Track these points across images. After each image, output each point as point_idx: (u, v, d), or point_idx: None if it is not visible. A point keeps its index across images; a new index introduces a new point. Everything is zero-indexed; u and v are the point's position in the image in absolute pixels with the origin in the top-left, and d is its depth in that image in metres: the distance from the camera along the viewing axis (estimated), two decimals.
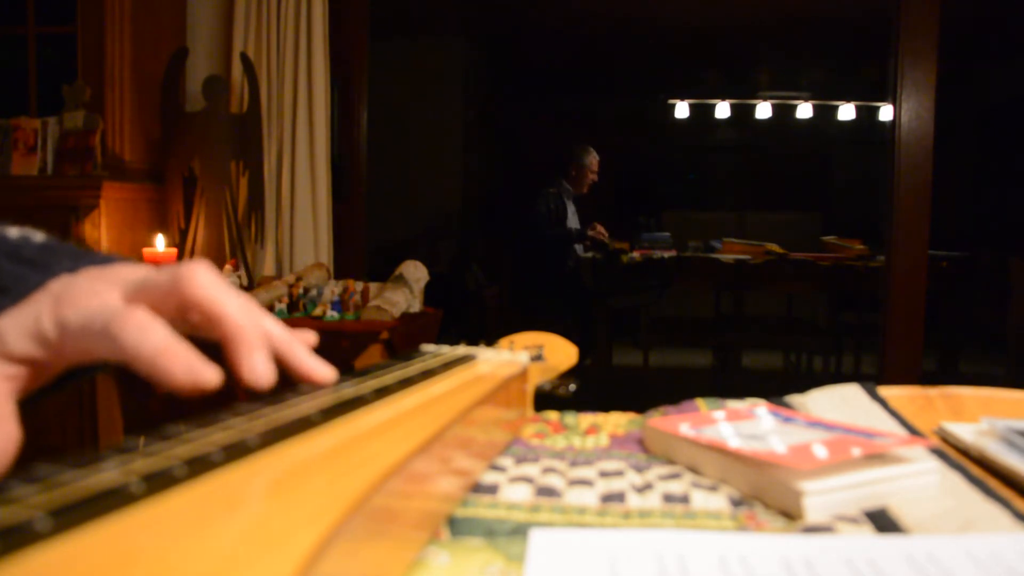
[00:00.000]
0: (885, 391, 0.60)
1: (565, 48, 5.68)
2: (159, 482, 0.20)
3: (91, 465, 0.20)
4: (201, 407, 0.29)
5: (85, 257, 0.38)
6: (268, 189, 2.56)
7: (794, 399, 0.60)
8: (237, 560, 0.17)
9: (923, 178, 2.53)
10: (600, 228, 3.99)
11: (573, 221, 4.00)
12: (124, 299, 0.33)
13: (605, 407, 0.61)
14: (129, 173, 2.44)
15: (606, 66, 6.09)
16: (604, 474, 0.45)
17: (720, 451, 0.43)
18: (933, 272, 2.73)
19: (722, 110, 5.87)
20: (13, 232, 0.39)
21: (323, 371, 0.36)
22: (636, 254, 4.04)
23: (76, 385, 0.38)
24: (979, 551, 0.31)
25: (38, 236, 0.40)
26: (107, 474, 0.20)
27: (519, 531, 0.35)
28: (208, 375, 0.30)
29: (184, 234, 2.43)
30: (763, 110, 5.83)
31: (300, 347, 0.36)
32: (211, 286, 0.33)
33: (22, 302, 0.33)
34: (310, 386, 0.35)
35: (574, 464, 0.47)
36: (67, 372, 0.36)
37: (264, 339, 0.34)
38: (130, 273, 0.35)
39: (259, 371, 0.33)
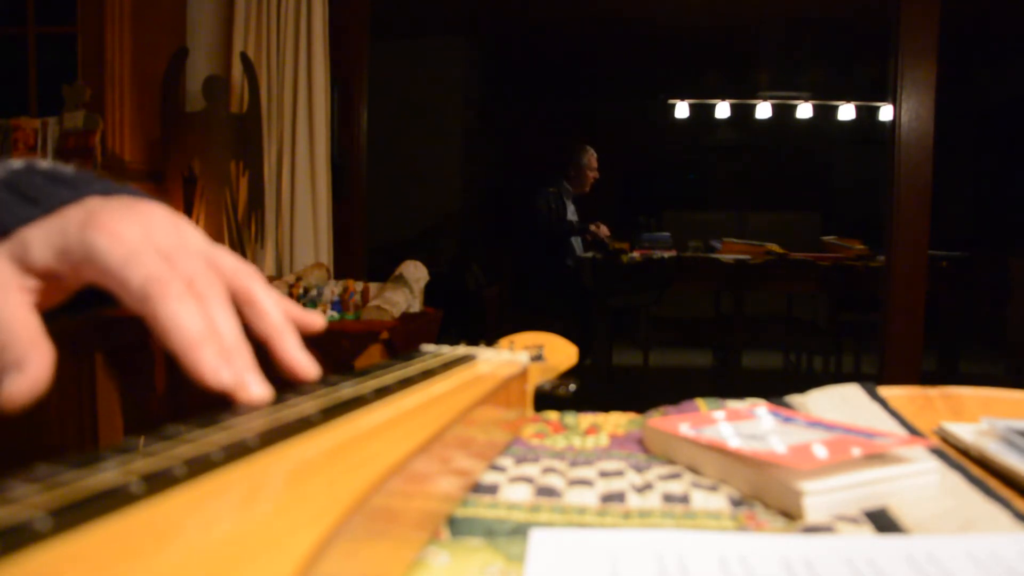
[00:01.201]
0: (885, 391, 0.60)
1: (565, 48, 5.68)
2: (159, 482, 0.20)
3: (91, 465, 0.20)
4: (201, 407, 0.29)
5: (120, 188, 0.38)
6: (268, 189, 2.56)
7: (794, 399, 0.60)
8: (237, 560, 0.17)
9: (923, 178, 2.53)
10: (601, 226, 3.99)
11: (573, 220, 4.01)
12: (168, 251, 0.33)
13: (605, 407, 0.61)
14: (129, 173, 2.44)
15: (606, 66, 6.09)
16: (604, 474, 0.45)
17: (720, 451, 0.43)
18: (933, 272, 2.73)
19: (722, 110, 5.87)
20: (44, 163, 0.39)
21: (307, 366, 0.36)
22: (636, 254, 4.04)
23: (92, 313, 0.38)
24: (979, 551, 0.31)
25: (68, 167, 0.40)
26: (107, 474, 0.20)
27: (519, 531, 0.35)
28: (234, 375, 0.31)
29: None
30: (763, 110, 5.83)
31: (292, 338, 0.37)
32: (264, 290, 0.35)
33: (50, 216, 0.33)
34: (292, 380, 0.36)
35: (574, 464, 0.47)
36: (83, 297, 0.36)
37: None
38: (181, 228, 0.35)
39: (242, 376, 0.32)
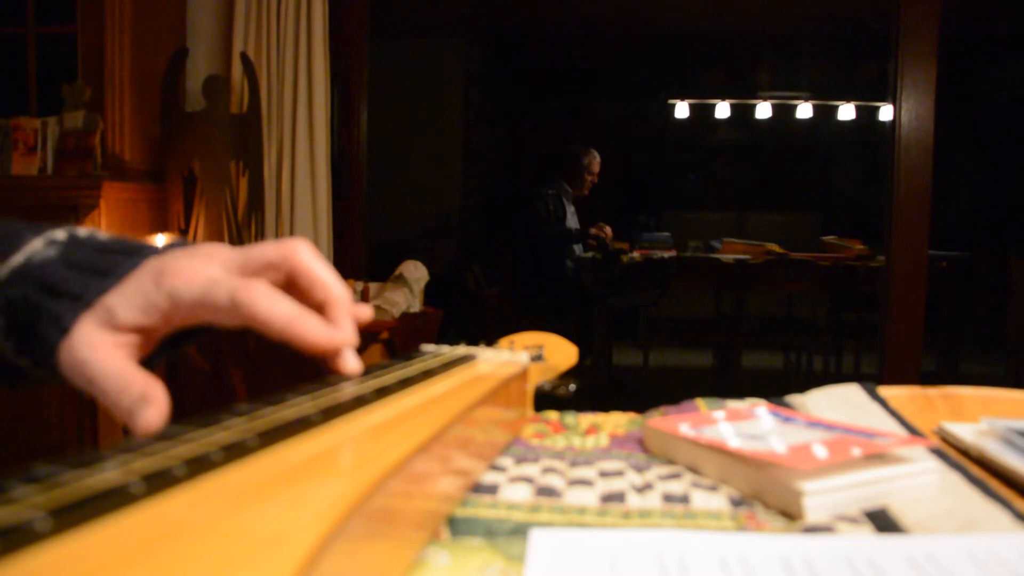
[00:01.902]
0: (885, 391, 0.60)
1: (565, 48, 5.69)
2: (159, 482, 0.20)
3: (91, 465, 0.20)
4: (201, 407, 0.29)
5: (167, 246, 0.42)
6: (268, 189, 2.56)
7: (794, 399, 0.60)
8: (237, 560, 0.17)
9: (923, 178, 2.53)
10: (604, 227, 3.98)
11: (572, 222, 3.99)
12: (227, 271, 0.38)
13: (605, 407, 0.61)
14: (129, 173, 2.44)
15: (606, 66, 6.09)
16: (604, 474, 0.45)
17: (720, 451, 0.43)
18: (933, 272, 2.73)
19: (722, 110, 5.86)
20: (82, 231, 0.43)
21: (353, 365, 0.40)
22: (636, 254, 4.04)
23: (185, 348, 0.43)
24: (979, 551, 0.31)
25: (103, 233, 0.44)
26: (107, 474, 0.20)
27: (519, 531, 0.35)
28: (340, 335, 0.37)
29: (184, 234, 2.43)
30: (763, 110, 5.83)
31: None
32: (314, 258, 0.39)
33: (123, 282, 0.37)
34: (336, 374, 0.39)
35: (574, 464, 0.47)
36: (174, 337, 0.40)
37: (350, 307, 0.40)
38: (220, 250, 0.39)
39: (348, 334, 0.38)
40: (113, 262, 0.38)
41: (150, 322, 0.37)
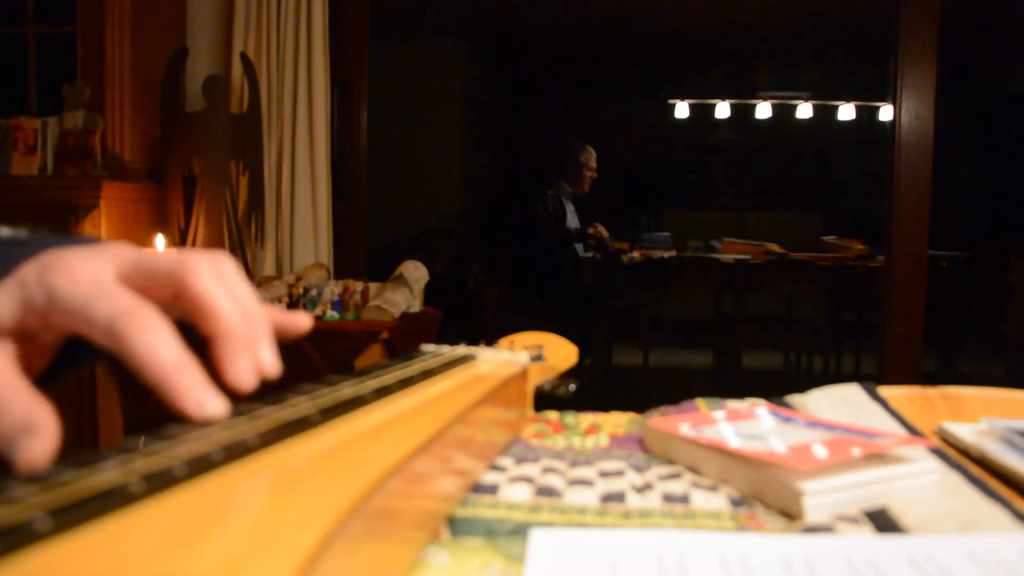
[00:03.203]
0: (885, 391, 0.60)
1: (565, 48, 5.69)
2: (159, 482, 0.20)
3: (91, 465, 0.20)
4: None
5: (73, 240, 0.38)
6: (268, 189, 2.56)
7: (794, 399, 0.60)
8: (237, 560, 0.17)
9: (923, 178, 2.53)
10: (600, 228, 3.98)
11: (572, 221, 3.99)
12: (118, 276, 0.33)
13: (605, 407, 0.61)
14: (129, 173, 2.44)
15: (606, 66, 6.09)
16: (604, 474, 0.45)
17: (720, 451, 0.43)
18: (933, 272, 2.73)
19: (722, 110, 5.86)
20: (4, 230, 0.39)
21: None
22: (636, 254, 4.04)
23: (85, 367, 0.37)
24: (979, 551, 0.31)
25: (22, 231, 0.39)
26: (107, 474, 0.20)
27: (519, 531, 0.35)
28: (214, 407, 0.30)
29: (184, 234, 2.43)
30: (763, 110, 5.82)
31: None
32: (213, 281, 0.33)
33: (9, 275, 0.33)
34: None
35: (574, 464, 0.47)
36: (70, 350, 0.35)
37: (252, 343, 0.33)
38: (122, 251, 0.34)
39: (243, 376, 0.32)
40: (4, 257, 0.34)
41: (30, 322, 0.32)
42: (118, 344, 0.30)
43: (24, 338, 0.32)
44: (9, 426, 0.28)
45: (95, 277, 0.32)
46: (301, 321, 0.37)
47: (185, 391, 0.29)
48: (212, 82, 2.46)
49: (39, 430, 0.28)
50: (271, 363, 0.33)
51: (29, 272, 0.32)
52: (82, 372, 0.38)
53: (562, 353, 0.66)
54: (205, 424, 0.26)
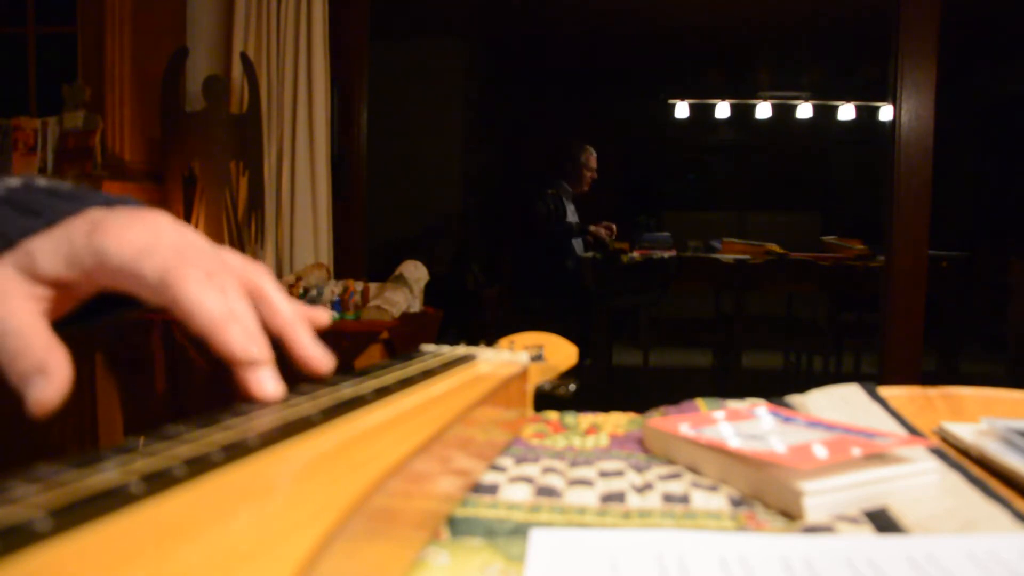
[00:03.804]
0: (885, 391, 0.60)
1: (565, 48, 5.68)
2: (159, 482, 0.20)
3: (91, 465, 0.20)
4: (201, 407, 0.29)
5: (121, 199, 0.39)
6: (268, 189, 2.56)
7: (794, 399, 0.60)
8: (237, 560, 0.17)
9: (923, 178, 2.53)
10: (602, 227, 3.98)
11: (573, 221, 4.00)
12: (172, 254, 0.34)
13: (605, 407, 0.61)
14: (129, 173, 2.44)
15: (606, 66, 6.09)
16: (604, 474, 0.45)
17: (720, 451, 0.43)
18: (933, 272, 2.73)
19: (722, 110, 5.86)
20: (42, 180, 0.40)
21: (322, 359, 0.36)
22: (636, 254, 4.04)
23: (109, 320, 0.39)
24: (979, 551, 0.31)
25: (67, 183, 0.40)
26: (107, 474, 0.20)
27: (519, 531, 0.35)
28: (262, 351, 0.32)
29: None
30: (763, 110, 5.83)
31: (305, 332, 0.37)
32: (276, 288, 0.36)
33: (55, 226, 0.34)
34: (308, 373, 0.36)
35: (574, 464, 0.47)
36: (96, 303, 0.37)
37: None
38: (180, 237, 0.35)
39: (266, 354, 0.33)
40: (49, 205, 0.35)
41: (71, 276, 0.33)
42: (166, 295, 0.31)
43: (59, 287, 0.33)
44: (26, 367, 0.30)
45: (145, 242, 0.33)
46: (321, 316, 0.39)
47: (232, 337, 0.31)
48: (212, 82, 2.46)
49: (53, 374, 0.30)
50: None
51: (77, 229, 0.33)
52: (101, 323, 0.39)
53: (562, 353, 0.66)
54: (206, 424, 0.26)
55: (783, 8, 4.61)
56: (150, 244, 0.33)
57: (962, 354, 4.18)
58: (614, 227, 3.98)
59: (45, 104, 2.49)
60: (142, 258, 0.32)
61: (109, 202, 0.38)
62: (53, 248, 0.33)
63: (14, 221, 0.34)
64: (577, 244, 4.02)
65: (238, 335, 0.32)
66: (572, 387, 0.58)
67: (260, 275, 0.36)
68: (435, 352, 0.51)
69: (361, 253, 2.84)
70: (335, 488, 0.22)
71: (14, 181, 0.39)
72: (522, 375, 0.53)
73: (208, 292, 0.32)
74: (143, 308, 0.36)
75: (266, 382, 0.33)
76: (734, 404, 0.57)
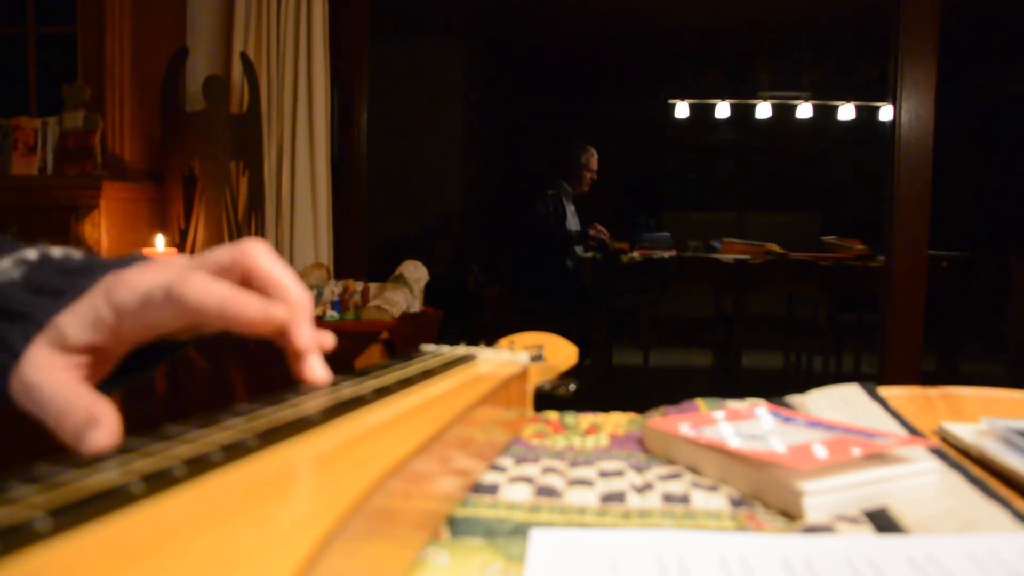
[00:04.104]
0: (885, 391, 0.60)
1: (565, 48, 5.68)
2: (159, 482, 0.20)
3: (91, 465, 0.20)
4: (201, 407, 0.29)
5: (134, 260, 0.41)
6: (268, 189, 2.56)
7: (794, 399, 0.60)
8: (237, 560, 0.17)
9: (923, 178, 2.53)
10: (600, 228, 3.98)
11: (573, 222, 3.99)
12: (173, 274, 0.36)
13: (605, 407, 0.61)
14: (129, 173, 2.44)
15: (606, 66, 6.09)
16: (604, 474, 0.45)
17: (720, 451, 0.43)
18: (933, 272, 2.73)
19: (722, 110, 5.86)
20: (57, 251, 0.42)
21: (321, 374, 0.38)
22: (636, 254, 4.04)
23: (160, 367, 0.41)
24: (979, 551, 0.31)
25: (78, 253, 0.42)
26: (107, 474, 0.20)
27: (519, 531, 0.35)
28: (279, 309, 0.35)
29: (184, 234, 2.43)
30: (763, 110, 5.82)
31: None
32: (270, 259, 0.37)
33: (76, 301, 0.36)
34: (305, 385, 0.37)
35: (574, 464, 0.47)
36: (141, 354, 0.39)
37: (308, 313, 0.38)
38: (176, 260, 0.38)
39: (308, 341, 0.37)
40: (70, 283, 0.37)
41: (101, 339, 0.36)
42: (177, 305, 0.34)
43: (93, 352, 0.36)
44: (76, 422, 0.33)
45: (152, 281, 0.36)
46: (327, 340, 0.39)
47: (242, 307, 0.34)
48: (212, 82, 2.46)
49: (101, 422, 0.33)
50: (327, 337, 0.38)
51: (97, 295, 0.36)
52: (142, 378, 0.41)
53: (562, 353, 0.66)
54: (206, 424, 0.26)
55: (783, 8, 4.61)
56: (155, 279, 0.35)
57: (962, 354, 4.18)
58: (604, 230, 3.98)
59: (45, 104, 2.49)
60: (149, 291, 0.35)
61: (122, 264, 0.40)
62: (79, 320, 0.35)
63: (41, 304, 0.37)
64: (578, 246, 4.02)
65: (250, 305, 0.34)
66: (572, 387, 0.58)
67: (253, 252, 0.37)
68: (435, 352, 0.51)
69: (361, 253, 2.84)
70: (335, 488, 0.22)
71: (31, 254, 0.41)
72: (522, 375, 0.53)
73: (207, 284, 0.34)
74: (182, 350, 0.40)
75: (315, 367, 0.37)
76: (734, 404, 0.57)
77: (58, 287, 0.37)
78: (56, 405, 0.34)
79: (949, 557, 0.31)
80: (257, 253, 0.37)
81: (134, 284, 0.35)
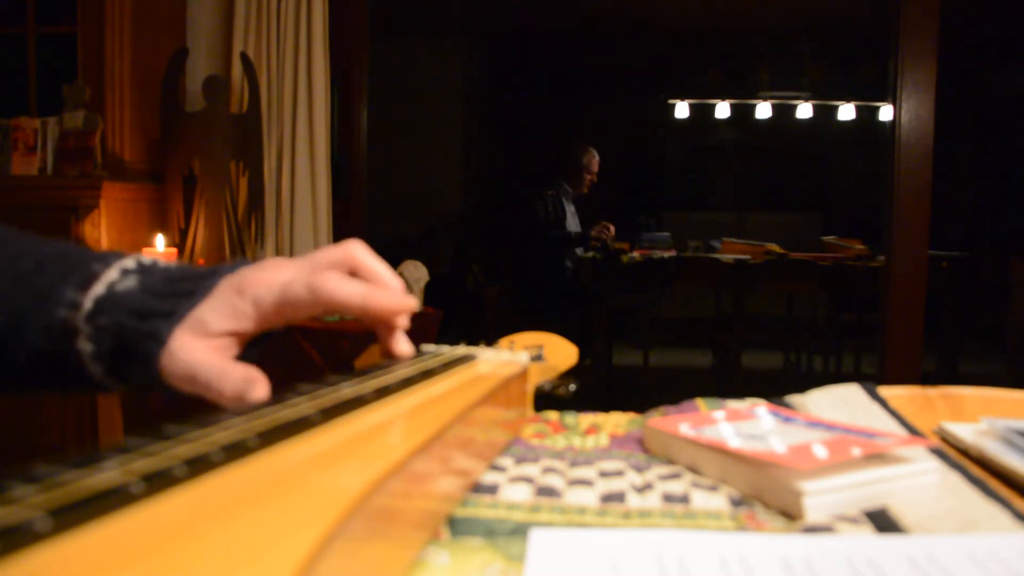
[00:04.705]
0: (885, 391, 0.60)
1: (565, 48, 5.68)
2: (159, 482, 0.20)
3: (91, 465, 0.20)
4: (202, 407, 0.29)
5: (237, 263, 0.47)
6: (268, 189, 2.56)
7: (794, 399, 0.60)
8: (237, 560, 0.17)
9: (923, 178, 2.53)
10: (605, 225, 3.96)
11: (573, 222, 3.99)
12: (299, 273, 0.44)
13: (605, 407, 0.61)
14: (129, 173, 2.44)
15: (606, 66, 6.09)
16: (604, 474, 0.45)
17: (720, 451, 0.43)
18: (933, 272, 2.73)
19: (722, 110, 5.86)
20: (146, 259, 0.48)
21: (408, 349, 0.48)
22: (636, 254, 4.04)
23: (267, 346, 0.48)
24: (979, 551, 0.31)
25: (165, 261, 0.49)
26: (107, 474, 0.20)
27: (519, 531, 0.35)
28: (411, 302, 0.45)
29: (184, 234, 2.43)
30: (763, 110, 5.83)
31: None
32: (369, 255, 0.46)
33: (208, 298, 0.43)
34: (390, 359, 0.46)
35: (574, 464, 0.47)
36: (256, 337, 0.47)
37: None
38: (286, 262, 0.45)
39: (404, 324, 0.47)
40: (194, 285, 0.44)
41: (240, 327, 0.43)
42: (322, 299, 0.42)
43: (229, 337, 0.43)
44: (234, 385, 0.40)
45: (281, 279, 0.43)
46: (412, 303, 0.47)
47: (381, 301, 0.44)
48: (212, 82, 2.46)
49: (257, 381, 0.40)
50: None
51: (227, 293, 0.43)
52: (249, 356, 0.47)
53: (562, 353, 0.66)
54: (206, 424, 0.26)
55: (783, 8, 4.61)
56: (283, 277, 0.43)
57: (962, 354, 4.18)
58: (612, 228, 3.98)
59: (45, 104, 2.49)
60: (287, 288, 0.42)
61: (232, 269, 0.46)
62: (216, 312, 0.42)
63: (179, 303, 0.43)
64: (579, 247, 4.02)
65: (387, 299, 0.43)
66: (572, 387, 0.58)
67: (357, 251, 0.45)
68: (435, 352, 0.51)
69: None
70: (335, 488, 0.22)
71: (129, 263, 0.47)
72: (522, 375, 0.53)
73: (347, 283, 0.42)
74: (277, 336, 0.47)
75: (402, 344, 0.47)
76: (734, 404, 0.57)
77: (187, 290, 0.44)
78: (213, 374, 0.40)
79: (949, 557, 0.31)
80: (360, 252, 0.45)
81: (267, 281, 0.43)
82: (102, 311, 0.43)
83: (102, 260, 0.46)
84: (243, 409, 0.29)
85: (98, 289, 0.44)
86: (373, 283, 0.45)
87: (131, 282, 0.45)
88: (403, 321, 0.47)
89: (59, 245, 0.48)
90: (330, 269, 0.44)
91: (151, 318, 0.42)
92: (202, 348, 0.42)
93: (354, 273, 0.45)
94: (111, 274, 0.45)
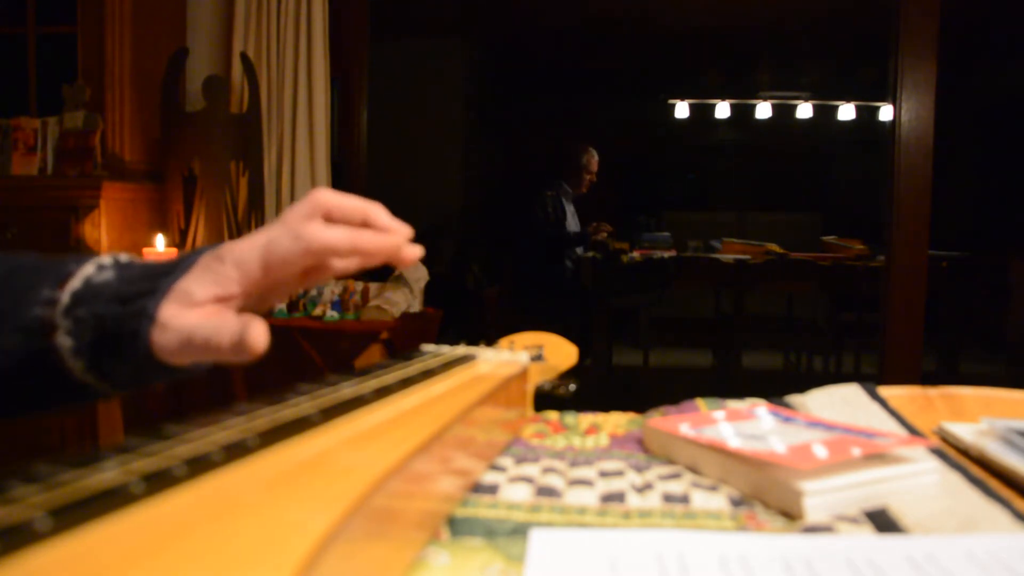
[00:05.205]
0: (885, 391, 0.60)
1: (565, 48, 5.68)
2: (159, 482, 0.20)
3: (91, 465, 0.20)
4: (201, 407, 0.29)
5: (216, 245, 0.47)
6: (268, 189, 2.56)
7: (794, 399, 0.60)
8: (237, 560, 0.17)
9: (923, 178, 2.53)
10: (604, 226, 3.97)
11: (572, 222, 3.99)
12: (285, 229, 0.43)
13: (605, 407, 0.61)
14: (129, 173, 2.44)
15: (606, 66, 6.09)
16: (604, 474, 0.45)
17: (720, 451, 0.43)
18: (933, 272, 2.73)
19: (722, 110, 5.86)
20: (124, 256, 0.48)
21: (416, 252, 0.47)
22: (636, 254, 4.04)
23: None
24: (979, 551, 0.31)
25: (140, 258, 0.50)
26: (107, 474, 0.20)
27: (519, 531, 0.35)
28: (397, 239, 0.45)
29: (184, 234, 2.43)
30: (763, 110, 5.83)
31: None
32: (337, 195, 0.45)
33: (189, 272, 0.43)
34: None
35: (574, 464, 0.47)
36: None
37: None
38: (261, 231, 0.45)
39: (400, 232, 0.47)
40: (171, 266, 0.44)
41: (225, 291, 0.42)
42: (309, 247, 0.41)
43: (217, 303, 0.43)
44: (231, 333, 0.39)
45: (259, 239, 0.43)
46: (415, 251, 0.47)
47: (369, 242, 0.44)
48: (212, 82, 2.46)
49: (253, 321, 0.39)
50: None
51: (208, 262, 0.43)
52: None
53: (562, 353, 0.66)
54: (206, 424, 0.26)
55: (783, 8, 4.61)
56: (259, 240, 0.43)
57: (962, 354, 4.18)
58: (610, 229, 3.98)
59: (45, 104, 2.49)
60: (270, 243, 0.42)
61: (212, 247, 0.46)
62: (198, 282, 0.42)
63: (159, 281, 0.43)
64: (580, 247, 4.02)
65: (374, 240, 0.43)
66: (572, 387, 0.58)
67: (323, 196, 0.45)
68: (435, 352, 0.51)
69: None
70: (335, 488, 0.22)
71: (106, 260, 0.47)
72: (522, 375, 0.53)
73: (332, 228, 0.42)
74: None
75: (408, 251, 0.46)
76: (734, 404, 0.57)
77: (166, 270, 0.44)
78: (208, 330, 0.40)
79: (949, 557, 0.31)
80: (328, 196, 0.45)
81: (247, 244, 0.43)
82: (80, 303, 0.43)
83: (77, 261, 0.46)
84: (243, 409, 0.29)
85: (75, 284, 0.44)
86: (353, 220, 0.45)
87: (108, 275, 0.45)
88: (397, 232, 0.46)
89: (32, 255, 0.48)
90: (307, 219, 0.44)
91: (134, 300, 0.42)
92: (192, 314, 0.42)
93: (330, 218, 0.45)
94: (87, 269, 0.45)
